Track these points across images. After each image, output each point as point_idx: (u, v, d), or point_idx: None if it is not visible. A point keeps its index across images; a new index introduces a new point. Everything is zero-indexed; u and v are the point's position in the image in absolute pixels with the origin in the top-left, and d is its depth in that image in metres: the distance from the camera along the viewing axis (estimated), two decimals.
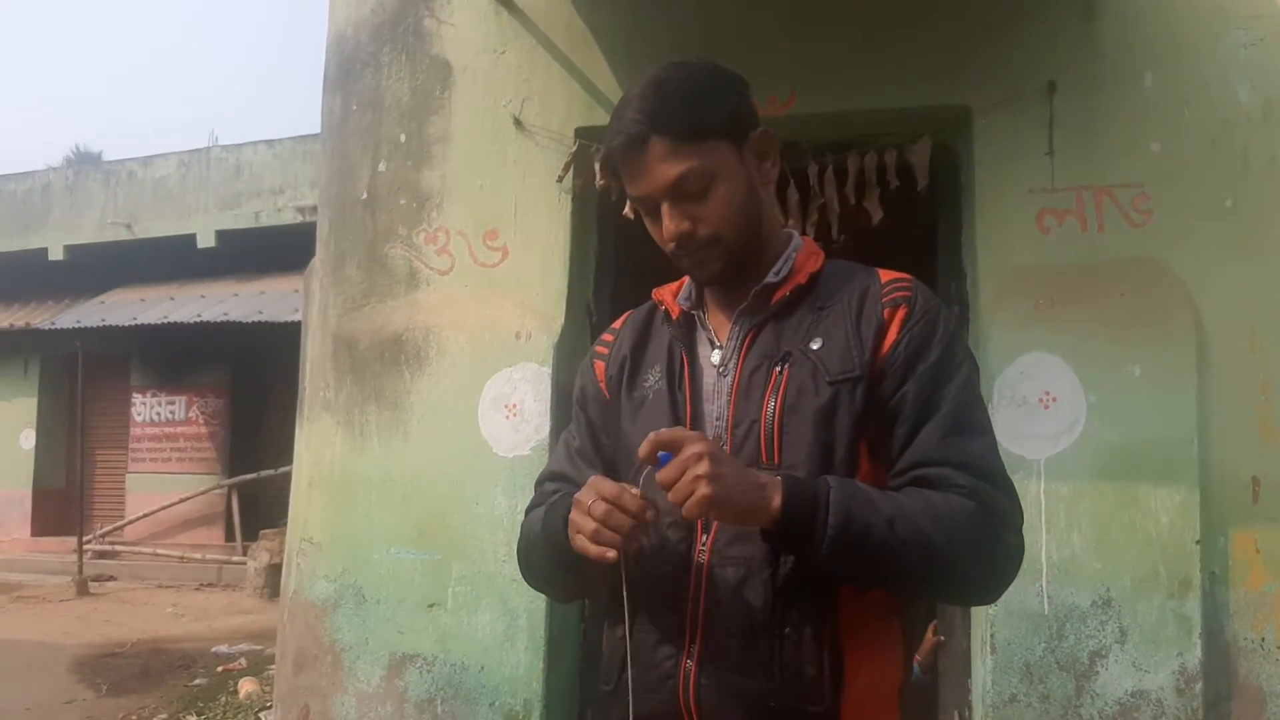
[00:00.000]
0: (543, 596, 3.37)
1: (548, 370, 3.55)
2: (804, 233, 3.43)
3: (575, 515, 1.48)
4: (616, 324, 1.87)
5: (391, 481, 3.68)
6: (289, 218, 12.89)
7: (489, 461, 3.57)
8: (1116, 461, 3.16)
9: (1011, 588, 3.04)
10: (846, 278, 1.67)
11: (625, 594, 1.54)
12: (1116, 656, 3.11)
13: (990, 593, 1.62)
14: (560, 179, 3.64)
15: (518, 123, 3.70)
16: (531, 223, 3.67)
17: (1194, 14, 3.32)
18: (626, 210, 3.52)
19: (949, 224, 3.63)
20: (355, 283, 3.86)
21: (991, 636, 3.16)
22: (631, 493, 1.43)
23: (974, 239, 3.40)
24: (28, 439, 15.91)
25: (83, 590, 12.46)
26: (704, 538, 1.57)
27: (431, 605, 3.57)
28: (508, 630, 3.47)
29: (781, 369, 1.59)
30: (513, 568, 3.39)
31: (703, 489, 1.37)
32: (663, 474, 1.40)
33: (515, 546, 1.83)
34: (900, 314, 1.59)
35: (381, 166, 3.87)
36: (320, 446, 3.85)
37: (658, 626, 1.59)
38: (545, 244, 3.65)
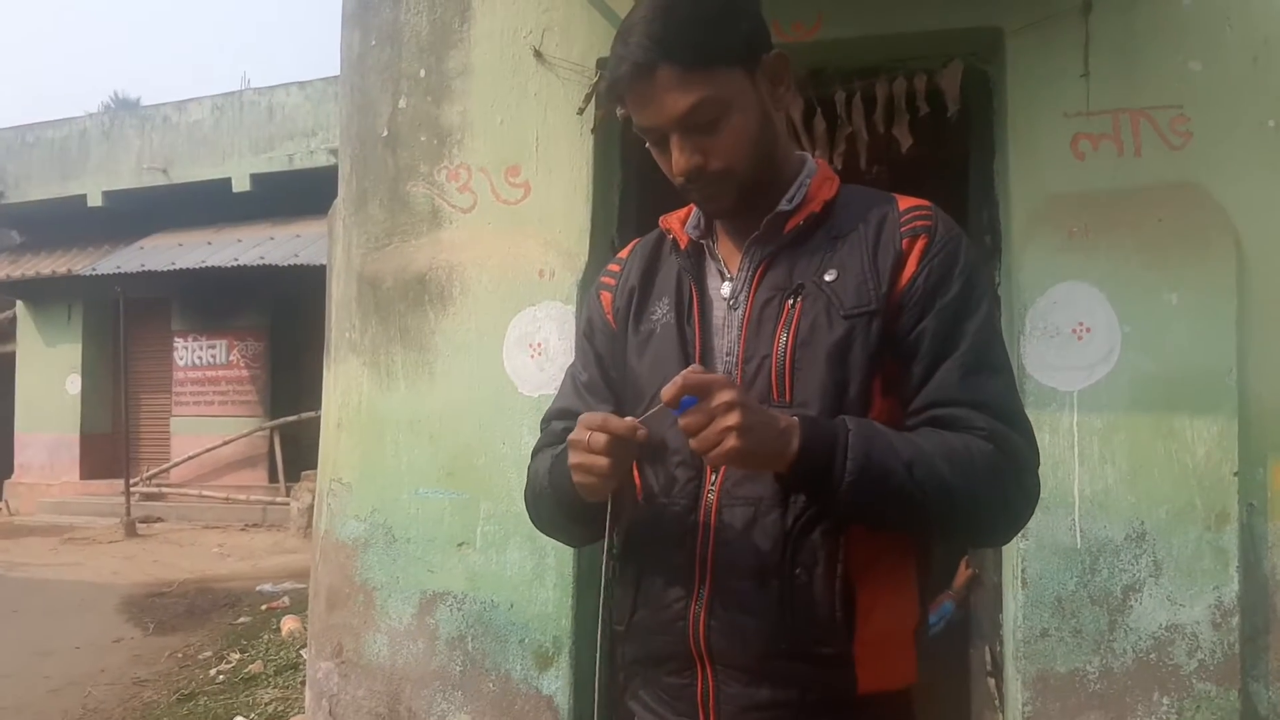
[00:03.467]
0: None
1: (572, 309, 3.51)
2: (831, 163, 3.35)
3: (573, 457, 1.45)
4: (623, 253, 1.81)
5: (418, 422, 3.67)
6: (323, 160, 12.91)
7: (514, 401, 3.55)
8: (1152, 392, 3.08)
9: (1044, 522, 2.99)
10: (863, 205, 1.60)
11: (609, 523, 1.52)
12: (1150, 590, 3.06)
13: (1005, 536, 1.60)
14: (582, 111, 3.58)
15: (538, 54, 3.63)
16: (553, 157, 3.61)
17: None
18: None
19: (981, 150, 3.52)
20: (378, 222, 3.83)
21: (1023, 571, 3.12)
22: (621, 418, 1.40)
23: (1006, 165, 3.30)
24: (74, 384, 16.21)
25: (131, 532, 12.75)
26: (713, 477, 1.53)
27: (461, 544, 3.58)
28: (536, 568, 3.48)
29: (794, 302, 1.53)
30: None
31: (731, 441, 1.32)
32: (688, 420, 1.34)
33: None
34: (920, 245, 1.52)
35: (401, 103, 3.82)
36: (347, 387, 3.85)
37: (667, 567, 1.56)
38: (568, 179, 3.60)
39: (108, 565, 10.75)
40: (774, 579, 1.48)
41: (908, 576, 1.57)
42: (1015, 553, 3.14)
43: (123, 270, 13.75)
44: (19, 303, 16.62)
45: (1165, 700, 3.01)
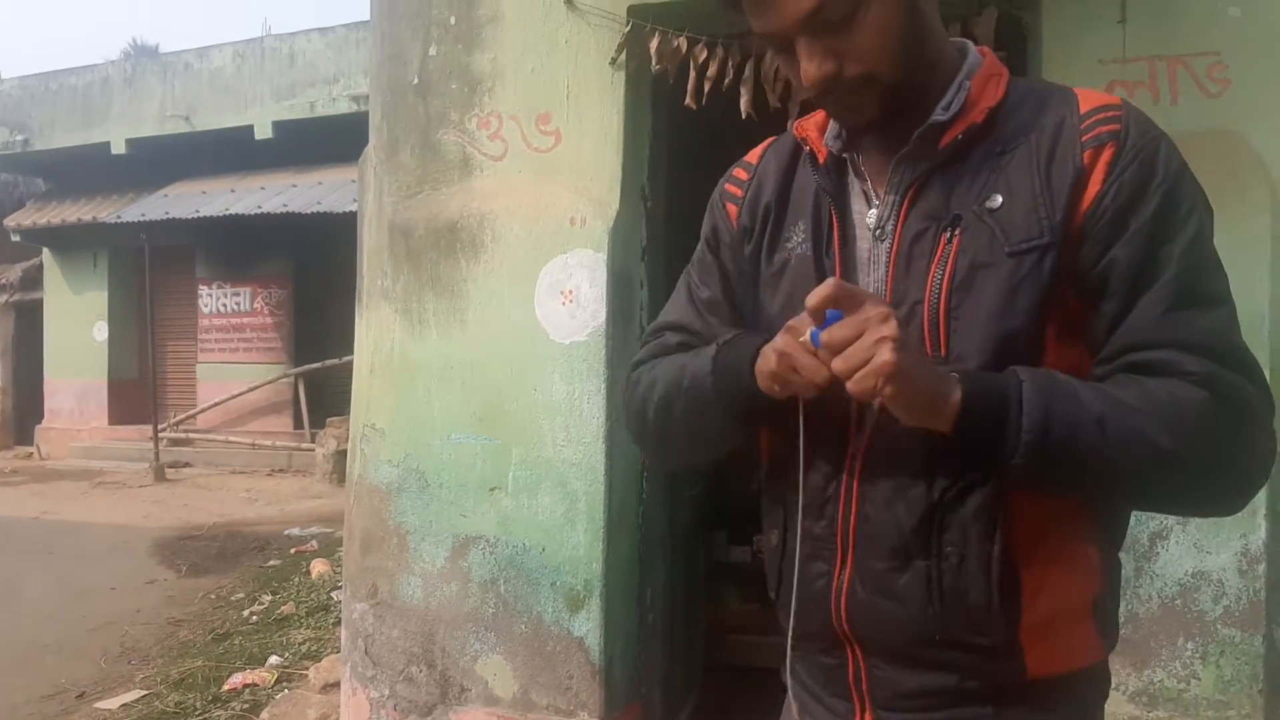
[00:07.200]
0: (600, 481, 3.43)
1: (603, 256, 3.53)
2: None
3: (787, 345, 1.22)
4: (752, 156, 1.56)
5: (450, 368, 3.71)
6: (344, 107, 12.89)
7: (546, 348, 3.58)
8: None
9: None
10: (1036, 108, 1.33)
11: (803, 430, 1.32)
12: (1177, 538, 3.08)
13: (1228, 504, 1.29)
14: (614, 61, 3.56)
15: (569, 2, 3.61)
16: (585, 106, 3.61)
17: None
18: (688, 100, 3.45)
19: None
20: (409, 170, 3.84)
21: None
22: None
23: None
24: (101, 331, 16.38)
25: (160, 476, 12.94)
26: (858, 437, 1.34)
27: (493, 489, 3.63)
28: (567, 513, 3.52)
29: (951, 235, 1.29)
30: (572, 452, 3.46)
31: (885, 354, 1.11)
32: (835, 332, 1.15)
33: (626, 410, 1.59)
34: (1106, 155, 1.26)
35: (432, 50, 3.81)
36: (380, 334, 3.89)
37: (809, 537, 1.39)
38: (599, 128, 3.59)
39: (138, 509, 10.93)
40: (919, 559, 1.30)
41: (1084, 542, 1.34)
42: None
43: (147, 218, 13.81)
44: (45, 250, 16.74)
45: (1190, 645, 3.05)
